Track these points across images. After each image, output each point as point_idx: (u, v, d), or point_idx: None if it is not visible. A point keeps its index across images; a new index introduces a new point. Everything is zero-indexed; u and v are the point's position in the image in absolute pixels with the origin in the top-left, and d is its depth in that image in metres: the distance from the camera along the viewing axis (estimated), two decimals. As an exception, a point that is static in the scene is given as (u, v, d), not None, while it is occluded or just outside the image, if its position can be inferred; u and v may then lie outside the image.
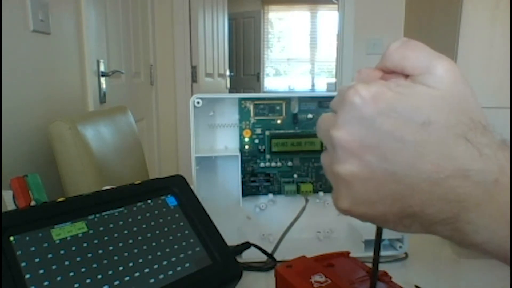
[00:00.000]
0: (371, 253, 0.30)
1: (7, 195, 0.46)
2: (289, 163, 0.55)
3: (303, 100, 0.54)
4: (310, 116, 0.54)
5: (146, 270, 0.35)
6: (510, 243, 0.20)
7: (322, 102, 0.54)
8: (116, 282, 0.33)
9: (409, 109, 0.20)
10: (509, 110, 1.68)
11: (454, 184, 0.20)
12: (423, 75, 0.21)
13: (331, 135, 0.22)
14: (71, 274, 0.32)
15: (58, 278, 0.31)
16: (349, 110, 0.21)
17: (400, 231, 0.23)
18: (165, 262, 0.36)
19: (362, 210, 0.22)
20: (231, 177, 0.55)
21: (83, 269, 0.33)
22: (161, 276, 0.35)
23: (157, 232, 0.39)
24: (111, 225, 0.37)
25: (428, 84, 0.21)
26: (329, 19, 4.90)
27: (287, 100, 0.53)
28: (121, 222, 0.38)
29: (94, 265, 0.33)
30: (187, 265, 0.37)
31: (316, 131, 0.25)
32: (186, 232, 0.40)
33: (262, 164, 0.54)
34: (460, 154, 0.20)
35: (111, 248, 0.35)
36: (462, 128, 0.20)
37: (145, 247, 0.37)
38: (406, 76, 0.22)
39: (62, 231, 0.35)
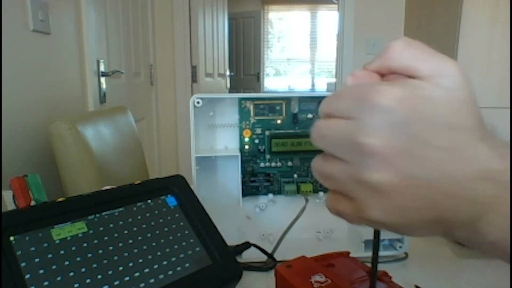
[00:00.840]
0: (371, 253, 0.30)
1: (7, 195, 0.46)
2: (289, 163, 0.55)
3: (303, 100, 0.54)
4: (310, 116, 0.54)
5: (146, 270, 0.35)
6: (510, 243, 0.20)
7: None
8: (116, 282, 0.33)
9: (434, 113, 0.20)
10: (509, 110, 1.69)
11: (481, 186, 0.20)
12: (437, 78, 0.21)
13: (360, 142, 0.20)
14: (71, 274, 0.32)
15: (58, 278, 0.31)
16: (380, 114, 0.20)
17: (419, 236, 0.22)
18: (165, 262, 0.36)
19: (393, 219, 0.21)
20: (231, 177, 0.55)
21: (83, 269, 0.33)
22: (161, 276, 0.35)
23: (157, 232, 0.39)
24: (111, 225, 0.37)
25: (444, 86, 0.21)
26: (329, 19, 4.90)
27: (287, 100, 0.53)
28: (121, 222, 0.38)
29: (94, 265, 0.33)
30: (187, 265, 0.37)
31: (318, 140, 0.23)
32: (186, 232, 0.40)
33: (262, 164, 0.54)
34: (483, 156, 0.20)
35: (111, 248, 0.35)
36: (480, 131, 0.20)
37: (145, 247, 0.37)
38: (410, 78, 0.22)
39: (62, 231, 0.35)
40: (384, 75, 0.23)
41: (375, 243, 0.28)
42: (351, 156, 0.21)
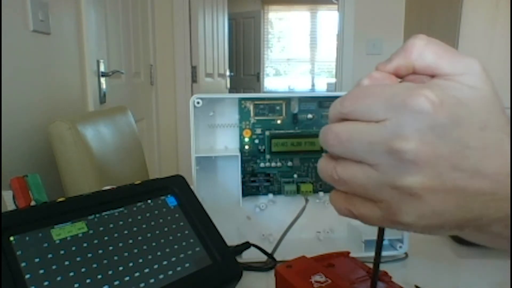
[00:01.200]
0: (371, 253, 0.30)
1: (7, 195, 0.46)
2: (289, 163, 0.55)
3: (303, 100, 0.54)
4: (310, 116, 0.54)
5: (146, 270, 0.35)
6: (510, 242, 0.20)
7: (322, 102, 0.54)
8: (116, 282, 0.33)
9: (469, 114, 0.20)
10: (509, 110, 1.69)
11: None
12: (461, 76, 0.21)
13: (396, 147, 0.20)
14: (71, 274, 0.32)
15: (58, 278, 0.31)
16: (419, 117, 0.19)
17: (447, 235, 0.23)
18: (165, 262, 0.36)
19: (426, 222, 0.21)
20: (231, 177, 0.55)
21: (83, 269, 0.33)
22: (161, 276, 0.35)
23: (157, 232, 0.39)
24: (111, 225, 0.37)
25: (470, 84, 0.21)
26: (329, 19, 4.90)
27: (287, 100, 0.53)
28: (121, 222, 0.38)
29: (94, 265, 0.33)
30: (187, 265, 0.37)
31: (337, 145, 0.22)
32: (186, 232, 0.40)
33: (262, 164, 0.54)
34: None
35: (111, 248, 0.35)
36: (507, 126, 0.21)
37: (145, 247, 0.37)
38: (432, 76, 0.21)
39: (62, 231, 0.35)
40: (403, 76, 0.23)
41: (378, 243, 0.28)
42: (382, 160, 0.21)
